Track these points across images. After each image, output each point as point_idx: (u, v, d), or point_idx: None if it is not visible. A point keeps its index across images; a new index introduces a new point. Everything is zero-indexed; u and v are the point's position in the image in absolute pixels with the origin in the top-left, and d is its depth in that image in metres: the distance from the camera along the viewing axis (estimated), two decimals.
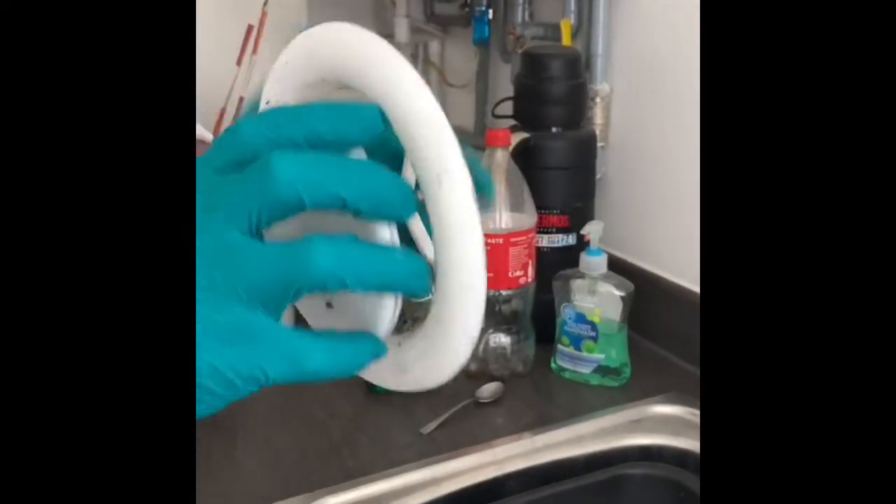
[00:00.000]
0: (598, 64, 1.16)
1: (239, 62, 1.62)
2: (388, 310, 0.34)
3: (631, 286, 1.00)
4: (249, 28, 1.62)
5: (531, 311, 1.05)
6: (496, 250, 0.99)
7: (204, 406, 0.32)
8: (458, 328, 0.33)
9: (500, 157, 1.01)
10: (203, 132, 0.70)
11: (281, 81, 0.36)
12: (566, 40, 1.18)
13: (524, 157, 1.06)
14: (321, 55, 0.35)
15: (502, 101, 1.20)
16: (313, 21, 1.57)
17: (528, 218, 1.02)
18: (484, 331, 0.80)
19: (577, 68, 1.10)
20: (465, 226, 0.32)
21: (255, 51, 1.61)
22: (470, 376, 1.01)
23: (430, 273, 0.33)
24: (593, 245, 0.99)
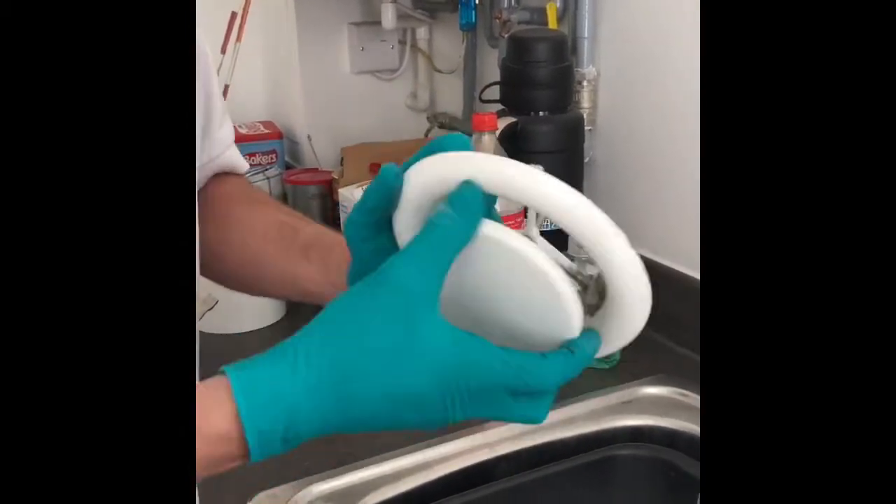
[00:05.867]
0: (585, 47, 1.16)
1: (223, 50, 1.62)
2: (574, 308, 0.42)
3: None
4: (233, 15, 1.61)
5: None
6: None
7: None
8: (636, 309, 0.42)
9: (488, 142, 1.01)
10: (240, 160, 0.69)
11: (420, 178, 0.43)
12: (552, 24, 1.18)
13: (512, 142, 1.06)
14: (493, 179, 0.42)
15: (489, 85, 1.20)
16: (300, 10, 1.54)
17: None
18: None
19: (564, 52, 1.10)
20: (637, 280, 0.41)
21: (239, 38, 1.60)
22: None
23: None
24: None
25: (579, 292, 0.43)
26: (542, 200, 0.41)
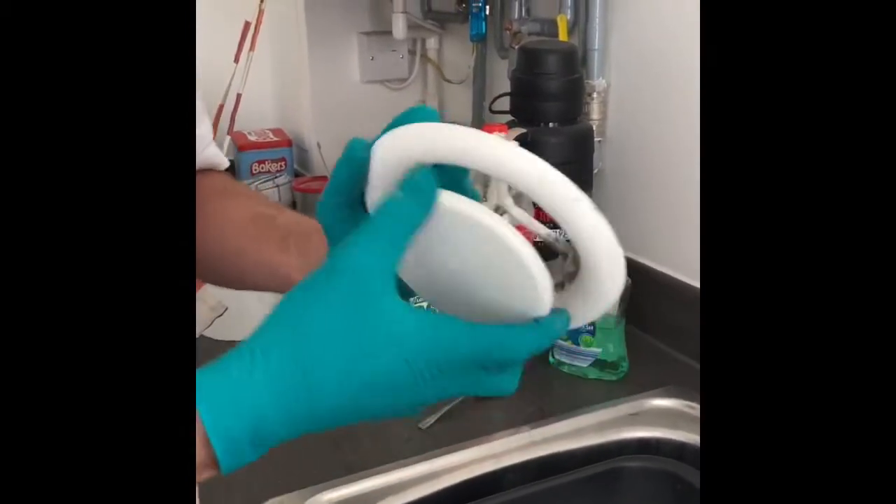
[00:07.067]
0: (595, 59, 1.16)
1: (237, 59, 1.63)
2: (544, 284, 0.40)
3: (628, 280, 1.00)
4: (246, 25, 1.62)
5: None
6: None
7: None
8: (609, 274, 0.40)
9: None
10: (220, 157, 0.69)
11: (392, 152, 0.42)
12: (563, 35, 1.18)
13: None
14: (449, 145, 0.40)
15: (500, 96, 1.20)
16: (310, 19, 1.54)
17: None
18: None
19: (574, 63, 1.11)
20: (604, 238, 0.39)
21: (252, 47, 1.61)
22: None
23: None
24: None
25: (557, 261, 0.41)
26: (502, 169, 0.38)
